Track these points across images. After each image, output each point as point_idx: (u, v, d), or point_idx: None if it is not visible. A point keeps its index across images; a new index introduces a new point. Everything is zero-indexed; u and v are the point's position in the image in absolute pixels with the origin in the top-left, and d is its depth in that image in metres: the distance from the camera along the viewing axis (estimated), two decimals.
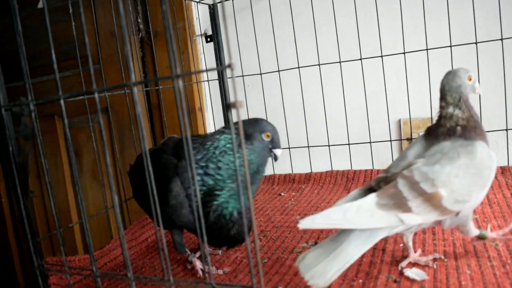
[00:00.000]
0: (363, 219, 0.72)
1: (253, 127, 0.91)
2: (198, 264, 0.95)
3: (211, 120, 1.80)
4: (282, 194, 1.48)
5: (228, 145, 0.88)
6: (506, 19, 1.35)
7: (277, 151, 0.93)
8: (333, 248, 0.73)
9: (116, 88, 0.68)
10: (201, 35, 1.76)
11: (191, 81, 1.70)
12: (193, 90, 1.71)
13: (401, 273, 0.79)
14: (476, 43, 1.36)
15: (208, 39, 1.76)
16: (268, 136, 0.91)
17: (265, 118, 1.67)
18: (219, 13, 1.74)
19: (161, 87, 1.64)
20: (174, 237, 0.97)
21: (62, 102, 0.74)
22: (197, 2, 1.71)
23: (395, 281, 0.77)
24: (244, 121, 0.91)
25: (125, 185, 1.85)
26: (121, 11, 0.64)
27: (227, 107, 0.55)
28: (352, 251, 0.72)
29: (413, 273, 0.78)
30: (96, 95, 0.69)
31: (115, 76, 1.76)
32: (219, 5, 1.74)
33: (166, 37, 0.59)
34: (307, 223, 0.71)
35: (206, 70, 0.48)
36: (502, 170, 1.36)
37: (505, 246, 0.85)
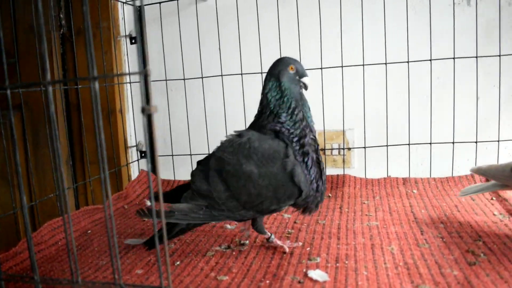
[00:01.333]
0: None
1: (277, 66, 1.00)
2: (280, 243, 1.00)
3: (132, 121, 1.78)
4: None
5: (275, 100, 0.98)
6: (413, 43, 1.48)
7: (305, 79, 1.01)
8: None
9: (31, 85, 0.67)
10: (125, 36, 1.74)
11: (113, 82, 1.67)
12: (114, 91, 1.68)
13: (305, 275, 0.85)
14: (386, 63, 1.48)
15: (133, 41, 1.74)
16: (292, 68, 0.99)
17: (187, 123, 1.69)
18: (145, 15, 1.74)
19: (80, 86, 1.60)
20: (259, 220, 1.02)
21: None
22: (123, 3, 1.69)
23: (299, 282, 0.82)
24: (271, 66, 1.02)
25: (36, 185, 1.77)
26: (40, 7, 0.64)
27: (141, 110, 0.57)
28: None
29: (316, 274, 0.84)
30: (8, 91, 0.67)
31: (32, 71, 1.68)
32: (146, 8, 1.74)
33: (86, 39, 0.60)
34: None
35: (117, 75, 0.50)
36: (404, 181, 1.49)
37: (399, 250, 0.94)
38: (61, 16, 1.71)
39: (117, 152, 1.70)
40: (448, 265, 0.86)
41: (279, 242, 1.01)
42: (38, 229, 1.17)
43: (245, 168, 0.93)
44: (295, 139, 0.95)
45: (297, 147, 0.95)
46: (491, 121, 1.51)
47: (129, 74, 0.53)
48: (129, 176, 1.75)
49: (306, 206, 0.99)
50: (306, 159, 0.94)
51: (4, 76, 0.68)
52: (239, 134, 0.99)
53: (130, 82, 1.77)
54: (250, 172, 0.93)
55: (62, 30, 1.74)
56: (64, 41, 1.74)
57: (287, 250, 0.98)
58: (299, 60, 1.02)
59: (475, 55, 1.46)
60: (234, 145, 0.97)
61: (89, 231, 1.24)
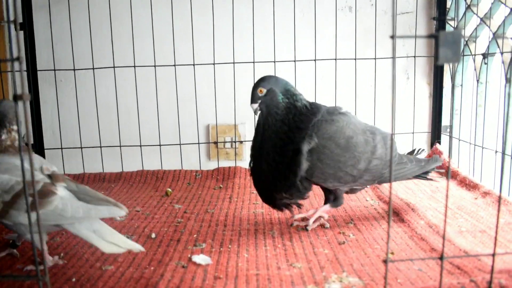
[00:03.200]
0: None
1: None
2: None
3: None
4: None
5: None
6: (300, 44, 1.58)
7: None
8: None
9: None
10: (10, 21, 1.63)
11: None
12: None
13: (189, 260, 0.88)
14: (274, 62, 1.57)
15: (19, 27, 1.64)
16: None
17: (77, 115, 1.64)
18: (32, 2, 1.65)
19: None
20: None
21: None
22: None
23: (183, 267, 0.86)
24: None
25: None
26: None
27: (13, 98, 0.56)
28: None
29: (200, 259, 0.88)
30: None
31: None
32: None
33: None
34: None
35: None
36: None
37: (279, 234, 1.01)
38: None
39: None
40: (321, 245, 0.95)
41: None
42: None
43: None
44: None
45: None
46: (368, 117, 1.67)
47: (5, 60, 0.52)
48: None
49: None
50: None
51: None
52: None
53: (13, 71, 1.66)
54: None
55: None
56: None
57: None
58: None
59: (354, 57, 1.60)
60: None
61: None
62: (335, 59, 1.61)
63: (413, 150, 1.25)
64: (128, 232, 1.07)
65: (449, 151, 1.50)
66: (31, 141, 1.66)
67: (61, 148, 1.68)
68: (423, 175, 1.18)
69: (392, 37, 0.59)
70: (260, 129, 1.05)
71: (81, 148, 1.66)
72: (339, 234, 1.01)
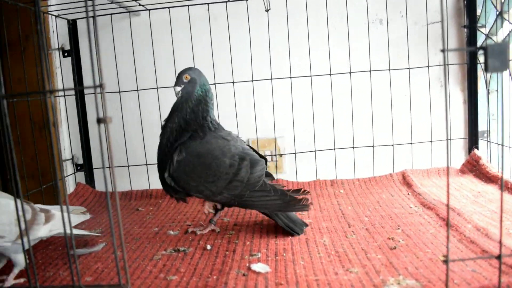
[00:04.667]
0: None
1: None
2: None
3: (66, 134, 1.77)
4: (140, 209, 1.53)
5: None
6: (334, 57, 1.64)
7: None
8: None
9: None
10: (58, 49, 1.74)
11: (38, 95, 1.66)
12: (48, 104, 1.66)
13: (248, 268, 0.93)
14: (311, 76, 1.62)
15: (65, 54, 1.74)
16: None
17: (123, 135, 1.71)
18: (77, 28, 1.75)
19: (13, 100, 1.57)
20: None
21: None
22: (56, 16, 1.69)
23: (244, 275, 0.90)
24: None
25: None
26: None
27: (97, 121, 0.62)
28: None
29: (258, 267, 0.93)
30: None
31: None
32: (79, 21, 1.75)
33: (15, 54, 0.64)
34: None
35: (45, 92, 0.55)
36: (331, 183, 1.63)
37: (331, 242, 1.05)
38: None
39: (52, 165, 1.69)
40: (373, 251, 0.98)
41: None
42: None
43: None
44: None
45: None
46: (405, 126, 1.70)
47: (79, 88, 0.59)
48: (64, 190, 1.74)
49: None
50: None
51: None
52: None
53: (64, 96, 1.76)
54: None
55: None
56: None
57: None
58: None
59: (388, 68, 1.64)
60: None
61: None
62: (370, 71, 1.65)
63: (300, 189, 1.23)
64: (184, 245, 1.12)
65: (501, 157, 1.51)
66: (80, 161, 1.75)
67: (110, 167, 1.75)
68: (289, 221, 1.15)
69: (443, 50, 0.63)
70: (174, 109, 1.19)
71: (128, 166, 1.74)
72: (388, 240, 1.05)
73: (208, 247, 1.09)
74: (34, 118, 1.59)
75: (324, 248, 1.02)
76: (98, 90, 0.65)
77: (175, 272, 0.95)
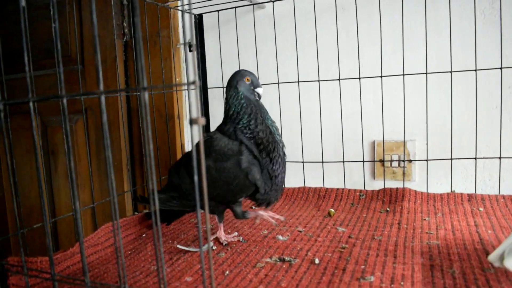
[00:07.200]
0: None
1: (235, 77, 1.15)
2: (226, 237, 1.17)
3: (188, 127, 1.81)
4: (253, 207, 1.49)
5: (235, 107, 1.13)
6: (481, 50, 1.39)
7: (259, 90, 1.17)
8: None
9: (85, 94, 0.69)
10: (184, 43, 1.77)
11: (171, 88, 1.71)
12: (172, 97, 1.71)
13: None
14: (451, 72, 1.40)
15: (191, 49, 1.77)
16: (248, 79, 1.15)
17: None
18: (203, 24, 1.76)
19: (138, 93, 1.64)
20: (236, 209, 1.16)
21: (31, 104, 0.74)
22: (182, 11, 1.72)
23: None
24: (229, 78, 1.16)
25: (98, 187, 1.83)
26: (94, 20, 0.65)
27: (190, 122, 0.57)
28: None
29: None
30: (65, 100, 0.69)
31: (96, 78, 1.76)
32: (204, 16, 1.76)
33: (135, 50, 0.60)
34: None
35: (164, 86, 0.50)
36: (469, 198, 1.39)
37: (461, 273, 0.87)
38: (124, 24, 1.77)
39: (174, 158, 1.73)
40: None
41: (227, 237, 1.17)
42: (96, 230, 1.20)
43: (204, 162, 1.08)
44: (256, 139, 1.09)
45: (261, 146, 1.09)
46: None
47: (175, 85, 0.52)
48: None
49: (268, 201, 1.13)
50: (271, 155, 1.09)
51: (73, 82, 0.70)
52: (207, 135, 1.16)
53: (187, 90, 1.80)
54: (208, 167, 1.07)
55: (125, 38, 1.80)
56: (127, 48, 1.79)
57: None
58: (254, 73, 1.18)
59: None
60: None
61: (144, 235, 1.27)
62: (451, 72, 1.38)
63: None
64: (291, 255, 1.04)
65: None
66: None
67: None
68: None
69: None
70: (256, 107, 1.15)
71: None
72: None
73: (316, 260, 0.99)
74: (158, 111, 1.64)
75: (452, 281, 0.84)
76: (192, 86, 0.59)
77: (276, 286, 0.87)
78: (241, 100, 1.12)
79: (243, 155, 1.07)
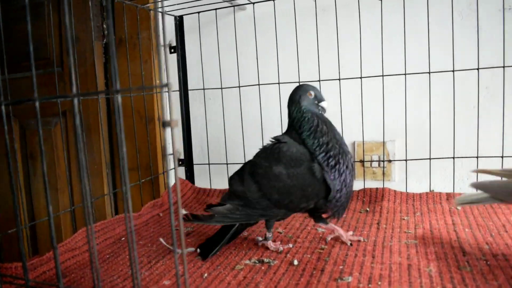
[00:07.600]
0: None
1: (298, 92, 1.12)
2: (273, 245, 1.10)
3: (168, 130, 1.80)
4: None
5: (298, 120, 1.10)
6: (458, 51, 1.41)
7: (323, 104, 1.13)
8: None
9: (61, 98, 0.68)
10: (165, 45, 1.76)
11: (151, 90, 1.69)
12: (152, 99, 1.70)
13: None
14: (429, 72, 1.42)
15: (172, 50, 1.76)
16: (310, 94, 1.11)
17: (223, 132, 1.68)
18: (184, 25, 1.75)
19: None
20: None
21: (3, 107, 0.73)
22: (162, 13, 1.71)
23: None
24: (292, 92, 1.14)
25: (77, 190, 1.81)
26: (67, 22, 0.64)
27: (162, 124, 0.57)
28: None
29: None
30: (37, 103, 0.68)
31: (81, 79, 1.73)
32: (185, 18, 1.75)
33: (110, 52, 0.59)
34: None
35: (131, 89, 0.49)
36: (447, 197, 1.41)
37: (438, 272, 0.88)
38: (104, 26, 1.76)
39: (155, 160, 1.72)
40: None
41: (272, 245, 1.10)
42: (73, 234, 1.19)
43: (275, 169, 1.04)
44: (320, 152, 1.04)
45: (325, 159, 1.03)
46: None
47: (144, 87, 0.52)
48: (165, 184, 1.77)
49: (336, 209, 1.06)
50: (337, 166, 1.03)
51: (46, 86, 0.69)
52: (275, 138, 1.12)
53: (168, 91, 1.78)
54: (279, 173, 1.03)
55: (105, 40, 1.78)
56: (106, 50, 1.78)
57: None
58: (317, 87, 1.14)
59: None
60: (267, 151, 1.10)
61: (123, 238, 1.26)
62: (503, 67, 1.39)
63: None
64: (270, 256, 1.04)
65: None
66: (182, 156, 1.76)
67: (209, 164, 1.74)
68: None
69: None
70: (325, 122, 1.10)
71: (227, 164, 1.70)
72: None
73: (295, 262, 0.99)
74: (138, 113, 1.62)
75: (429, 279, 0.85)
76: (165, 89, 0.59)
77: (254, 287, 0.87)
78: (304, 114, 1.08)
79: (315, 162, 1.03)
